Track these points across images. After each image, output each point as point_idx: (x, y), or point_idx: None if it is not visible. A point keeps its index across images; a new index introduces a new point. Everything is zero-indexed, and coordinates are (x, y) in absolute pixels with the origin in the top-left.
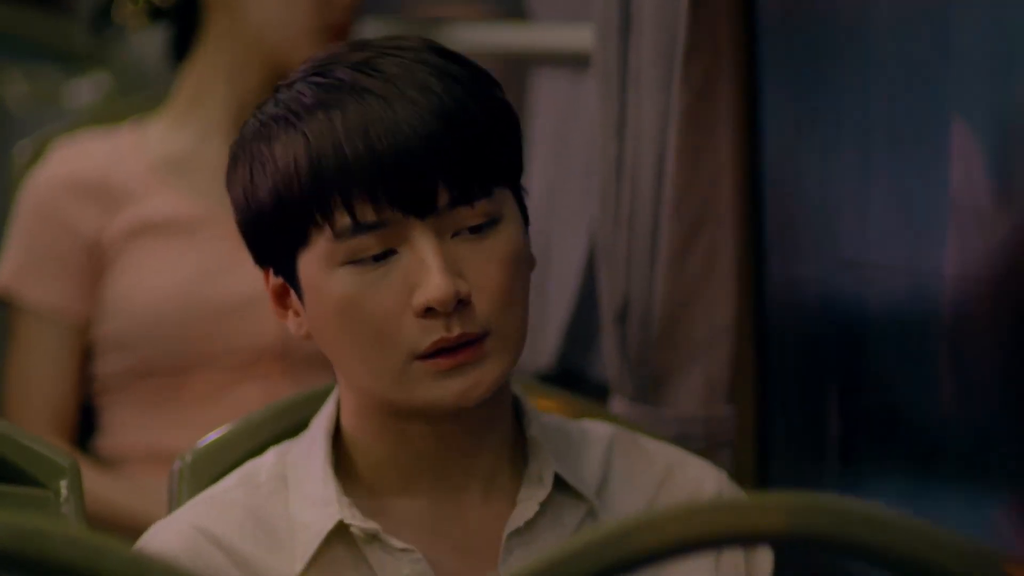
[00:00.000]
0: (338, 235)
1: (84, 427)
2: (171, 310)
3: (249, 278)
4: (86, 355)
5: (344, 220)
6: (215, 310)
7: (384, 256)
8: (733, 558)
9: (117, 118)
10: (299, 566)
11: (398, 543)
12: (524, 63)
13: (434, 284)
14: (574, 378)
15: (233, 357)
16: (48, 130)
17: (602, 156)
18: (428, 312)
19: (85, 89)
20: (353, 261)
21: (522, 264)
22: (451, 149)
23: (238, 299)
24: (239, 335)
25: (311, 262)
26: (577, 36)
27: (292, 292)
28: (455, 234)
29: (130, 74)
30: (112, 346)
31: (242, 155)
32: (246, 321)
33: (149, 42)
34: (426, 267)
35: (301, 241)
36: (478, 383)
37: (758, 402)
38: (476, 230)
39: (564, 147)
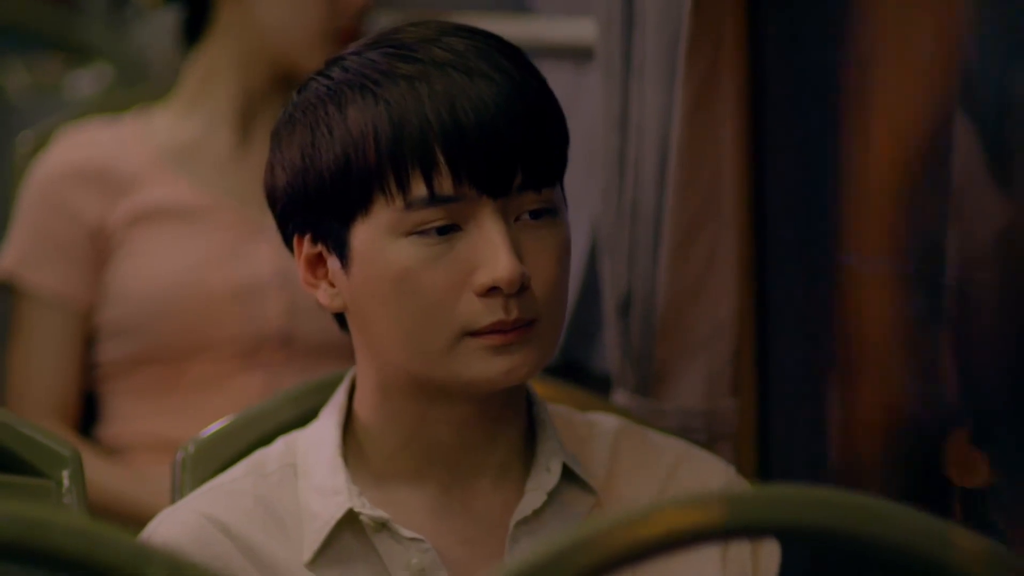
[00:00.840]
0: (410, 204)
1: (87, 415)
2: (173, 298)
3: (252, 266)
4: (89, 342)
5: (420, 190)
6: (217, 298)
7: (447, 230)
8: (740, 552)
9: (118, 109)
10: (308, 555)
11: (407, 532)
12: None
13: (503, 264)
14: (576, 371)
15: (235, 345)
16: (50, 121)
17: (605, 149)
18: (490, 291)
19: (86, 80)
20: (417, 232)
21: (569, 257)
22: (531, 131)
23: (240, 287)
24: (241, 323)
25: (370, 230)
26: (580, 29)
27: (331, 262)
28: (516, 219)
29: (131, 65)
30: (114, 333)
31: (302, 117)
32: (248, 309)
33: (151, 34)
34: (494, 247)
35: (362, 208)
36: (523, 364)
37: (759, 395)
38: (536, 216)
39: None
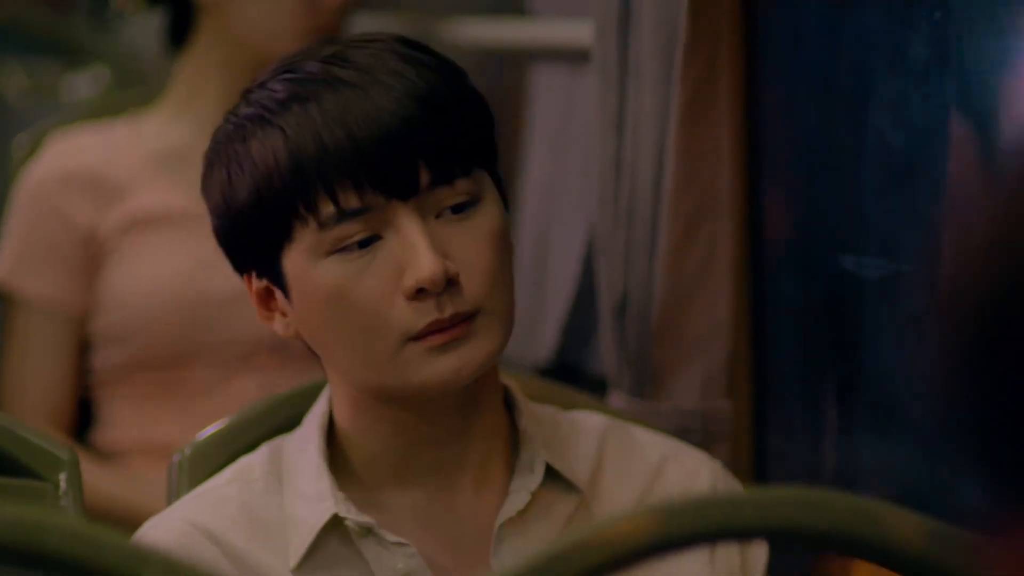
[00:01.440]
0: (323, 225)
1: (82, 420)
2: (167, 303)
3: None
4: (83, 348)
5: (328, 209)
6: (211, 303)
7: (369, 242)
8: (728, 553)
9: (115, 111)
10: (294, 561)
11: (392, 537)
12: (523, 58)
13: (423, 264)
14: (572, 372)
15: (230, 350)
16: (46, 123)
17: (601, 151)
18: (419, 293)
19: (83, 82)
20: (339, 250)
21: (506, 244)
22: (429, 129)
23: (234, 292)
24: (235, 328)
25: (296, 256)
26: (576, 31)
27: (277, 293)
28: (438, 216)
29: (128, 68)
30: (109, 339)
31: (217, 159)
32: (242, 314)
33: (147, 35)
34: (413, 248)
35: (285, 236)
36: (470, 360)
37: (755, 397)
38: (458, 210)
39: (563, 142)
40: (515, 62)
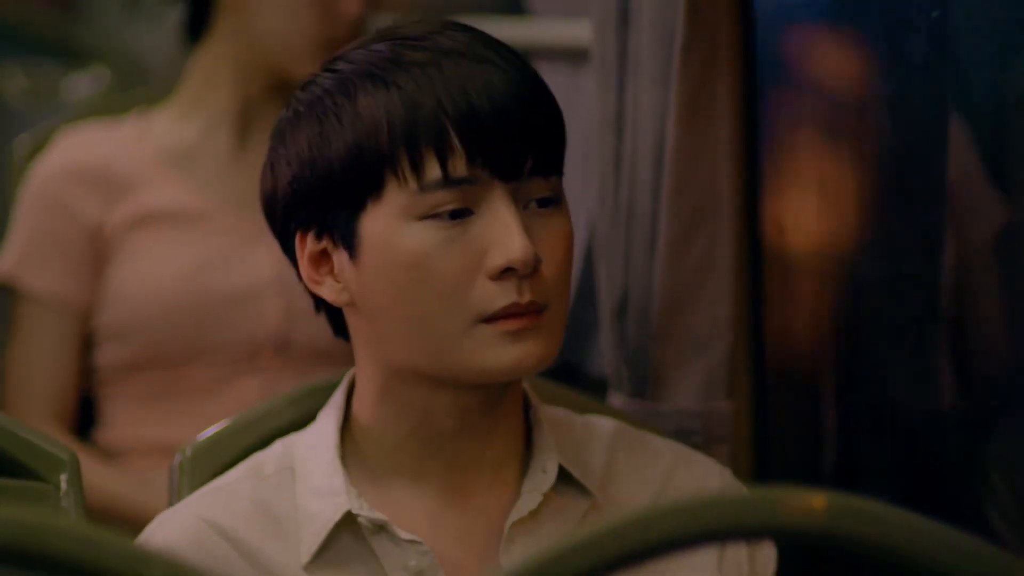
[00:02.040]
0: (424, 187)
1: (84, 419)
2: (170, 300)
3: (250, 271)
4: (87, 345)
5: (434, 172)
6: (215, 302)
7: (461, 214)
8: (736, 555)
9: (115, 112)
10: (306, 557)
11: (405, 534)
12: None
13: (517, 245)
14: (572, 372)
15: (233, 350)
16: (47, 124)
17: (600, 150)
18: (504, 274)
19: (84, 83)
20: (430, 216)
21: (573, 251)
22: (540, 116)
23: (239, 291)
24: (239, 328)
25: (382, 217)
26: (575, 30)
27: (337, 256)
28: (525, 206)
29: (128, 69)
30: (112, 336)
31: (308, 111)
32: (246, 314)
33: (148, 37)
34: (507, 228)
35: (374, 193)
36: (533, 353)
37: (756, 397)
38: (543, 204)
39: None
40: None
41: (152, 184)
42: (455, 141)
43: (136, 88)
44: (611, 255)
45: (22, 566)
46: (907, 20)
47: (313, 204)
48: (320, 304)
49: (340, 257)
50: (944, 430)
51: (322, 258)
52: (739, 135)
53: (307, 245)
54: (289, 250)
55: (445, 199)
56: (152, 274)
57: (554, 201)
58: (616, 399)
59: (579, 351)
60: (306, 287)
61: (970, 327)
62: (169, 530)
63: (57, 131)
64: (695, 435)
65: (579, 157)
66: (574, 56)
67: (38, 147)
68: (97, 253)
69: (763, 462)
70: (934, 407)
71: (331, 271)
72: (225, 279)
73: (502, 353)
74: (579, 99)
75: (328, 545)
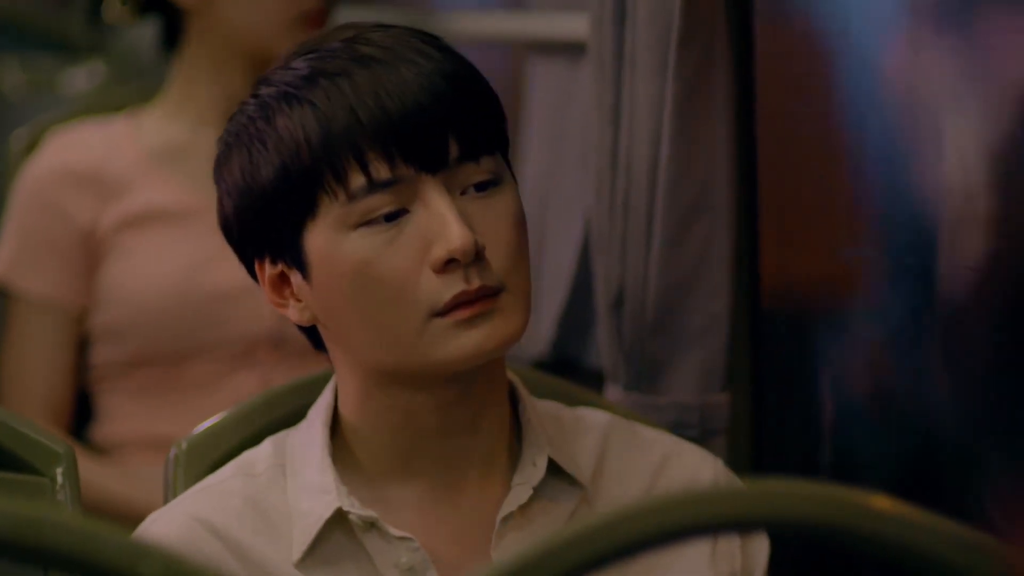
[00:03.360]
0: (352, 197)
1: (80, 415)
2: (166, 299)
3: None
4: (82, 344)
5: (358, 180)
6: (210, 299)
7: (396, 216)
8: (729, 546)
9: (112, 107)
10: (297, 554)
11: (396, 531)
12: (520, 51)
13: (454, 234)
14: (569, 366)
15: (228, 346)
16: (44, 118)
17: (597, 144)
18: (447, 265)
19: (80, 78)
20: (366, 223)
21: (525, 227)
22: (458, 104)
23: (233, 288)
24: (234, 324)
25: (320, 232)
26: (572, 24)
27: (293, 277)
28: (462, 193)
29: (125, 63)
30: (107, 335)
31: (236, 140)
32: (241, 310)
33: (144, 31)
34: (442, 220)
35: (309, 212)
36: (493, 335)
37: (753, 390)
38: (481, 188)
39: (559, 135)
40: (512, 55)
41: (144, 183)
42: (371, 146)
43: (132, 82)
44: (608, 248)
45: (18, 559)
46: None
47: (258, 231)
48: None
49: (295, 278)
50: (941, 423)
51: (281, 281)
52: (735, 129)
53: (266, 270)
54: (256, 276)
55: (376, 204)
56: (146, 273)
57: (493, 183)
58: (613, 392)
59: (576, 344)
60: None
61: (967, 320)
62: (160, 529)
63: (54, 125)
64: (692, 428)
65: (576, 151)
66: (571, 50)
67: (35, 141)
68: (90, 254)
69: (760, 454)
70: (930, 400)
71: (292, 292)
72: (219, 276)
73: (462, 342)
74: (576, 93)
75: (319, 543)
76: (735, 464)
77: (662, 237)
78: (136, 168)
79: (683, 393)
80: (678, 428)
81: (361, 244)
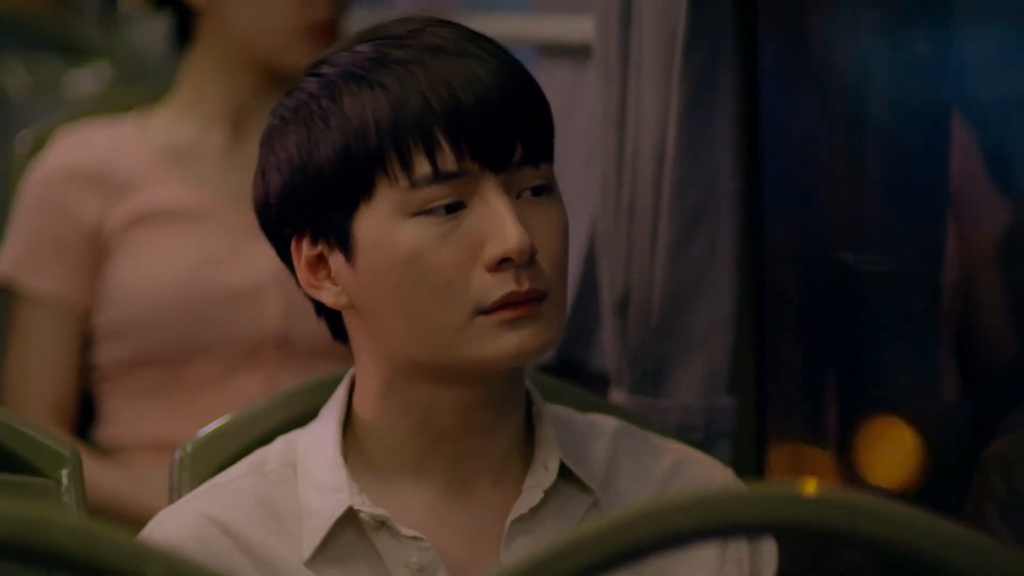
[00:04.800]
0: (415, 184)
1: (84, 416)
2: (171, 299)
3: (250, 267)
4: (87, 344)
5: (424, 168)
6: (215, 299)
7: (454, 208)
8: (737, 551)
9: (117, 108)
10: (307, 553)
11: (407, 530)
12: (525, 54)
13: (512, 234)
14: (574, 369)
15: (234, 346)
16: (49, 120)
17: (602, 147)
18: (501, 264)
19: (86, 79)
20: (424, 212)
21: (568, 238)
22: (526, 106)
23: (239, 288)
24: (240, 324)
25: (375, 216)
26: (578, 27)
27: (333, 259)
28: (518, 196)
29: (130, 64)
30: (112, 335)
31: (294, 116)
32: (247, 310)
33: (150, 33)
34: (500, 220)
35: (365, 194)
36: (533, 339)
37: (758, 393)
38: (537, 193)
39: (564, 138)
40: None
41: (151, 183)
42: (442, 136)
43: (137, 84)
44: (613, 252)
45: (23, 561)
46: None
47: (306, 209)
48: (320, 308)
49: (336, 260)
50: (947, 425)
51: (319, 262)
52: (741, 132)
53: (303, 250)
54: (286, 256)
55: (437, 194)
56: (153, 272)
57: (546, 189)
58: (618, 395)
59: (581, 347)
60: (305, 292)
61: (972, 324)
62: (170, 526)
63: (59, 127)
64: (697, 431)
65: (581, 154)
66: (577, 53)
67: (40, 143)
68: (96, 253)
69: (765, 458)
70: (937, 402)
71: (328, 275)
72: (226, 276)
73: (503, 342)
74: (581, 96)
75: (330, 541)
76: (739, 468)
77: (667, 240)
78: (143, 167)
79: (688, 396)
80: (683, 431)
81: (416, 233)
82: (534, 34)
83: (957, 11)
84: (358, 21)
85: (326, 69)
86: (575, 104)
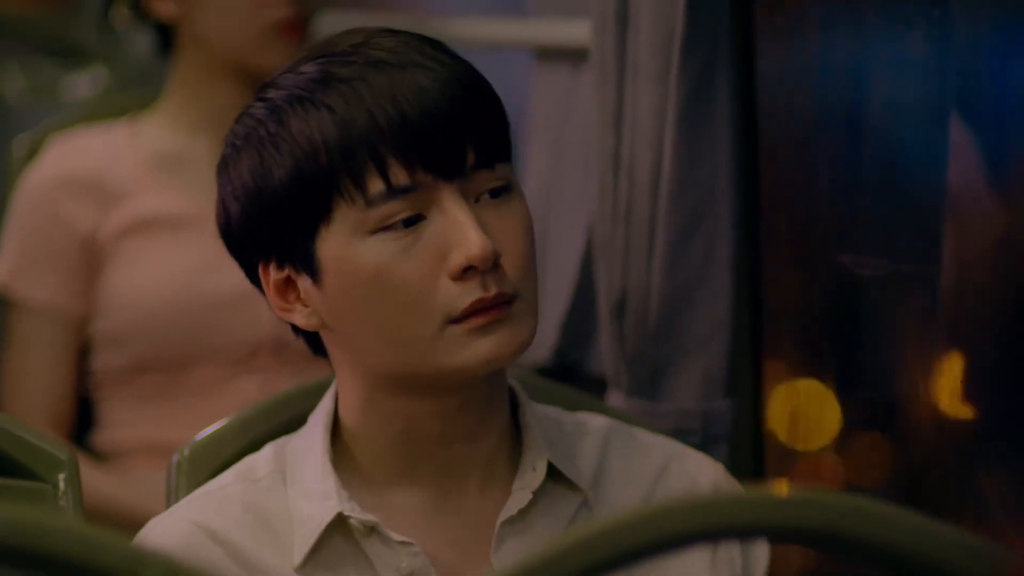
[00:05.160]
0: (370, 201)
1: (82, 421)
2: (167, 305)
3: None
4: (83, 351)
5: (377, 185)
6: (211, 305)
7: (413, 221)
8: (729, 553)
9: (114, 113)
10: (298, 559)
11: (397, 536)
12: (521, 57)
13: (472, 241)
14: (571, 372)
15: (230, 351)
16: (46, 124)
17: (600, 150)
18: (466, 272)
19: (83, 83)
20: (383, 228)
21: (533, 233)
22: (475, 111)
23: (234, 293)
24: (235, 329)
25: (335, 237)
26: (574, 30)
27: (300, 282)
28: (477, 200)
29: (127, 69)
30: (109, 342)
31: (246, 143)
32: (242, 315)
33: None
34: (461, 227)
35: (323, 216)
36: (508, 342)
37: (755, 396)
38: (495, 195)
39: (562, 141)
40: (513, 61)
41: (143, 190)
42: (391, 152)
43: (134, 88)
44: (610, 255)
45: (20, 566)
46: (908, 17)
47: (267, 234)
48: (296, 329)
49: (304, 283)
50: (943, 428)
51: (287, 286)
52: (738, 135)
53: (271, 275)
54: (256, 281)
55: (393, 210)
56: (148, 281)
57: (505, 190)
58: (615, 398)
59: (578, 351)
60: (278, 316)
61: (970, 327)
62: (161, 535)
63: (56, 131)
64: (694, 434)
65: (578, 157)
66: (573, 56)
67: (37, 147)
68: (91, 261)
69: (762, 461)
70: (933, 405)
71: (298, 297)
72: (221, 282)
73: (476, 348)
74: (578, 99)
75: (320, 547)
76: (737, 471)
77: (664, 243)
78: (136, 175)
79: (685, 399)
80: (680, 434)
81: (378, 250)
82: (532, 38)
83: (956, 11)
84: (359, 21)
85: (272, 93)
86: (572, 107)
